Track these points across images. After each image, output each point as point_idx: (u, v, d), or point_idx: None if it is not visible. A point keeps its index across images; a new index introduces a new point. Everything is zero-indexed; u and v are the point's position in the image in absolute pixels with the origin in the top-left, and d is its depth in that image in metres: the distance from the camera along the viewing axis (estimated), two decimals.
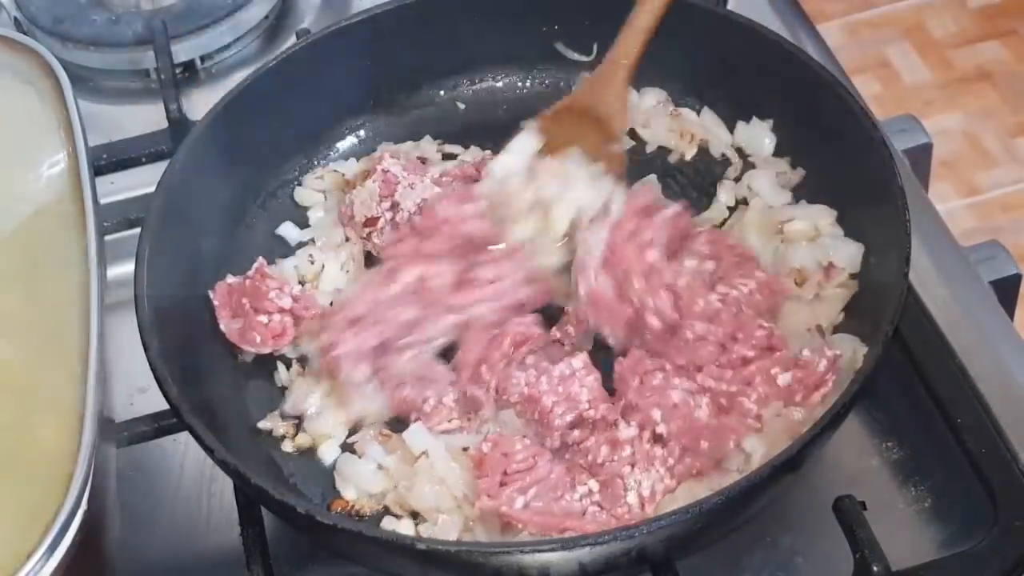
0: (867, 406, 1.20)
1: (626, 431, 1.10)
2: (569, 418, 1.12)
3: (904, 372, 1.17)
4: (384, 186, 1.29)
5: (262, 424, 1.20)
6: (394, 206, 1.28)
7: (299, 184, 1.38)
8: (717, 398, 1.12)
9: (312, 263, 1.30)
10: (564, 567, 1.00)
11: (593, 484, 1.08)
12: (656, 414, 1.10)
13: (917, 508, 1.15)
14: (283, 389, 1.22)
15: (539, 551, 0.99)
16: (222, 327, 1.23)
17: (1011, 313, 1.35)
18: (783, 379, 1.12)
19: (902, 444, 1.18)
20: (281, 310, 1.23)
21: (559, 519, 1.06)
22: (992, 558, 1.03)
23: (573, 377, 1.13)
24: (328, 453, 1.18)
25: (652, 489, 1.08)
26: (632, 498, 1.08)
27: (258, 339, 1.22)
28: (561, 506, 1.07)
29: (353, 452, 1.17)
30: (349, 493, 1.15)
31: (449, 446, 1.14)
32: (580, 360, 1.14)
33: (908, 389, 1.17)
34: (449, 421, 1.16)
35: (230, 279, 1.25)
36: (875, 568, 1.01)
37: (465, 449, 1.14)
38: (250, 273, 1.25)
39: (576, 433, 1.12)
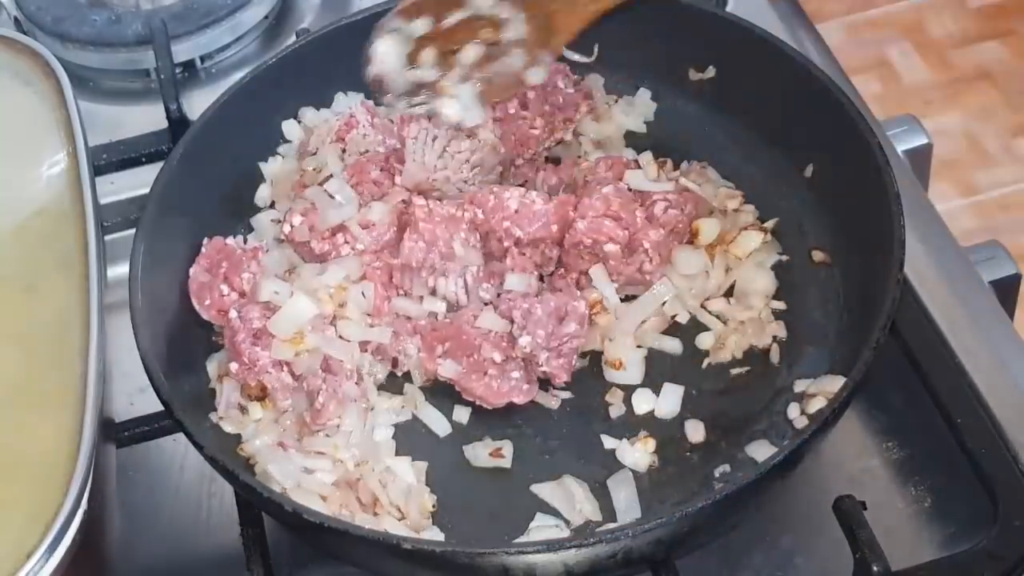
0: (867, 406, 1.20)
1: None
2: None
3: (904, 372, 1.17)
4: (344, 128, 1.31)
5: (227, 429, 1.18)
6: (344, 150, 1.30)
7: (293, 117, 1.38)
8: None
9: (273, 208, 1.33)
10: (549, 568, 1.00)
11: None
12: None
13: (917, 508, 1.15)
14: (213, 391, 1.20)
15: (524, 553, 0.99)
16: (191, 271, 1.23)
17: (1011, 313, 1.35)
18: None
19: (902, 444, 1.18)
20: (241, 293, 1.23)
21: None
22: (992, 558, 1.03)
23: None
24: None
25: None
26: None
27: (207, 302, 1.22)
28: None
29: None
30: (274, 486, 1.11)
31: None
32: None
33: (908, 389, 1.17)
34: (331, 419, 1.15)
35: (229, 240, 1.26)
36: (875, 568, 1.01)
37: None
38: (247, 247, 1.26)
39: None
